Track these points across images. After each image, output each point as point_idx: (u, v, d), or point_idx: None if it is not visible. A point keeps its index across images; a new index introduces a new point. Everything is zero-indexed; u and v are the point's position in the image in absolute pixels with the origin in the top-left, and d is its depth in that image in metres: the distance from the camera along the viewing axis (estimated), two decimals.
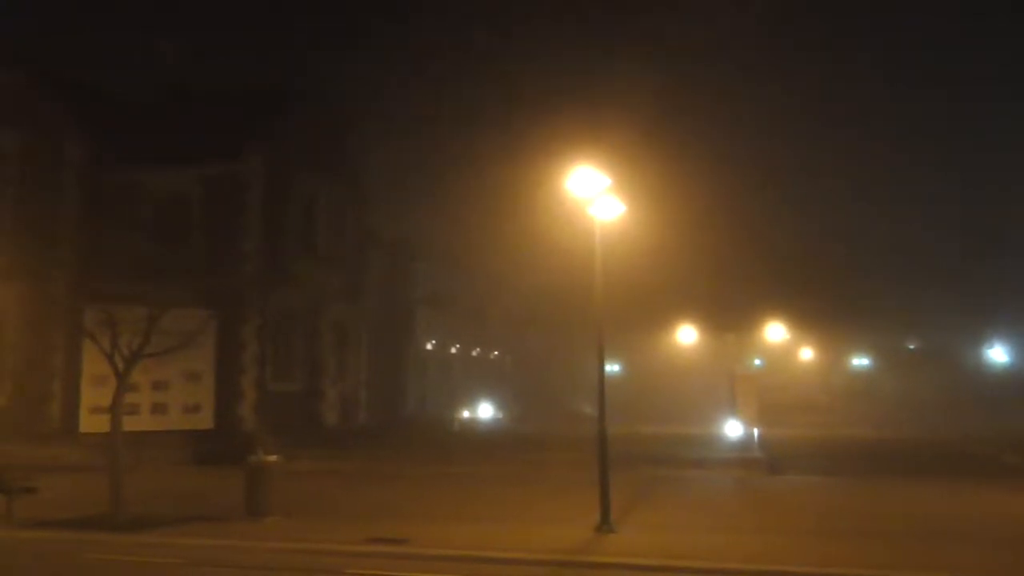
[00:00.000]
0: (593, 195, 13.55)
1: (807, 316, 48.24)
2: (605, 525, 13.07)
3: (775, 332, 36.24)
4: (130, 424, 15.75)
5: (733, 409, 28.85)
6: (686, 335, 38.40)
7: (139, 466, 18.03)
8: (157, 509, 14.74)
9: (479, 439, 35.52)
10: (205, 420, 26.48)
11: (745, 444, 27.16)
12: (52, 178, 28.71)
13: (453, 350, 56.73)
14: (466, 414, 53.08)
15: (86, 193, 28.87)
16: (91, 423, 24.83)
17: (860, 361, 66.28)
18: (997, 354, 59.90)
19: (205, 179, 28.77)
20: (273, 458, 14.76)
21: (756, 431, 27.86)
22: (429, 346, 52.91)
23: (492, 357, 64.28)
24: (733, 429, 28.88)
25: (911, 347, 66.75)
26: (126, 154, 29.20)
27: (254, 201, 28.61)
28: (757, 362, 43.08)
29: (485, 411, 56.74)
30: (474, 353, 60.68)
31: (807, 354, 59.62)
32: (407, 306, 49.36)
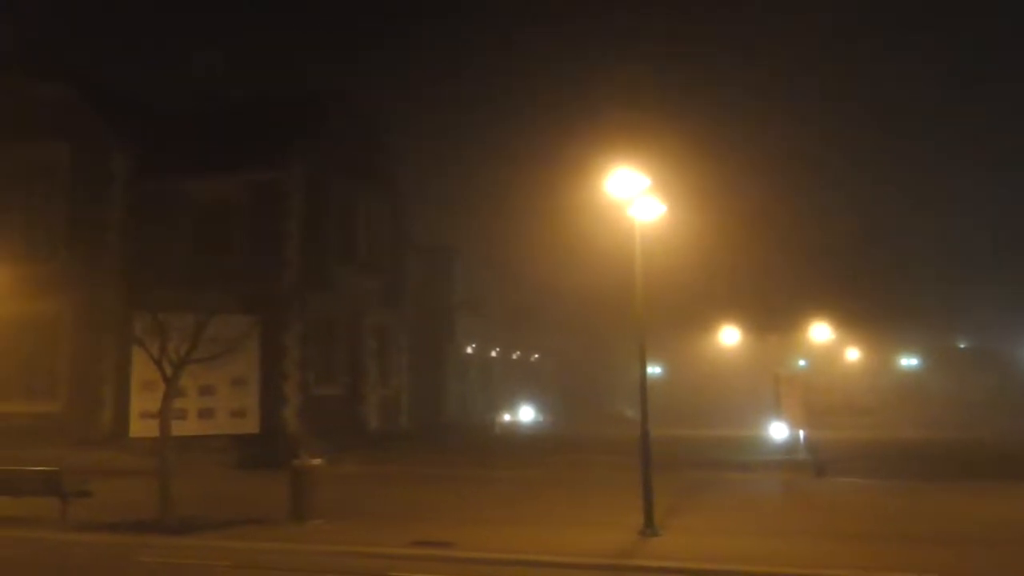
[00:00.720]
0: (633, 196, 13.47)
1: (853, 316, 47.41)
2: (649, 528, 12.96)
3: (820, 332, 35.63)
4: (178, 429, 16.05)
5: (777, 411, 28.40)
6: (729, 336, 37.98)
7: (187, 470, 18.31)
8: (205, 512, 14.97)
9: (520, 442, 35.53)
10: (250, 424, 26.90)
11: (790, 446, 26.73)
12: (100, 189, 29.41)
13: (493, 353, 56.80)
14: (507, 417, 53.13)
15: (132, 203, 29.52)
16: (140, 428, 25.40)
17: (908, 361, 64.90)
18: None
19: (246, 187, 29.21)
20: (317, 462, 14.91)
21: (802, 433, 27.39)
22: (469, 350, 53.04)
23: (532, 360, 64.22)
24: (778, 431, 28.45)
25: (961, 346, 65.20)
26: (169, 164, 29.80)
27: (295, 208, 28.97)
28: (801, 363, 42.45)
29: (526, 414, 56.75)
30: (514, 356, 60.69)
31: (853, 354, 58.55)
32: (446, 310, 49.55)
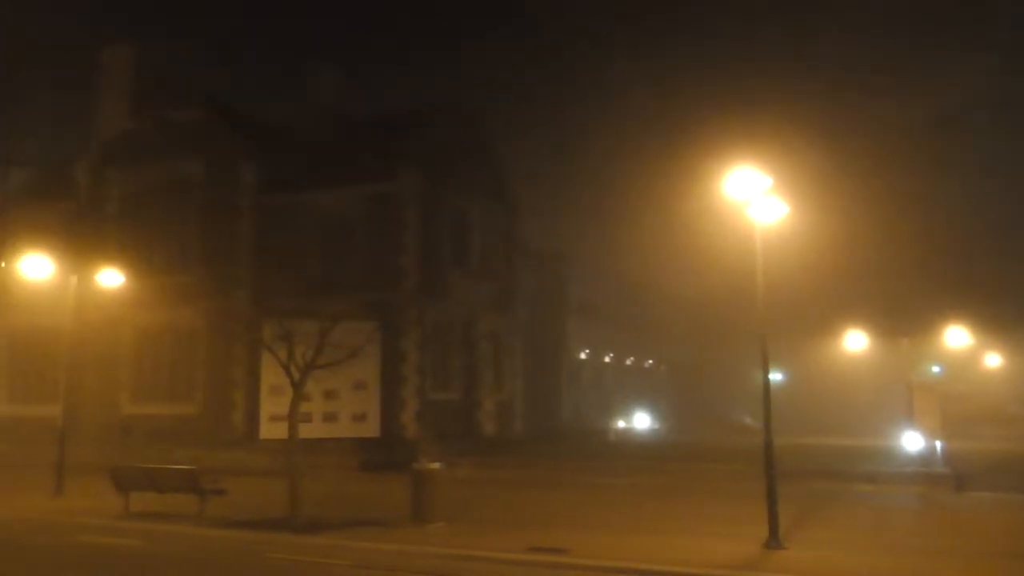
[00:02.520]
0: (753, 196, 13.04)
1: (993, 319, 44.28)
2: (773, 541, 12.48)
3: (956, 337, 33.41)
4: (304, 431, 16.65)
5: (911, 420, 26.82)
6: (855, 341, 36.10)
7: (312, 472, 19.01)
8: (330, 513, 15.49)
9: (636, 449, 35.04)
10: (371, 428, 27.72)
11: (926, 458, 25.16)
12: (231, 203, 31.08)
13: (606, 359, 56.37)
14: (621, 424, 52.60)
15: (260, 216, 31.06)
16: (270, 430, 26.61)
17: None
18: None
19: (365, 198, 30.19)
20: (436, 466, 15.15)
21: (938, 444, 25.76)
22: (582, 355, 52.84)
23: (646, 366, 63.35)
24: (912, 442, 26.85)
25: None
26: (293, 178, 31.20)
27: (410, 218, 29.69)
28: (935, 369, 39.99)
29: (641, 421, 55.99)
30: (628, 362, 60.02)
31: (993, 360, 54.64)
32: (559, 316, 49.57)
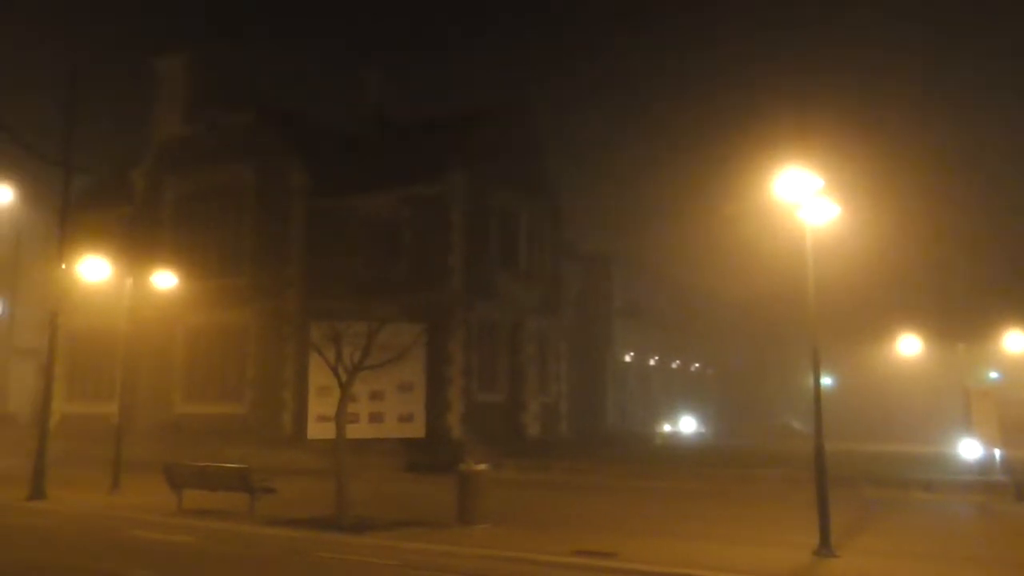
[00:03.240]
0: (803, 198, 12.80)
1: None
2: (825, 549, 12.22)
3: (1015, 341, 32.39)
4: (351, 432, 16.83)
5: (968, 427, 26.06)
6: (908, 345, 35.24)
7: (359, 472, 19.20)
8: (376, 513, 15.62)
9: (683, 453, 34.69)
10: (417, 429, 27.92)
11: (984, 466, 24.40)
12: (281, 206, 31.61)
13: (652, 362, 55.94)
14: (667, 427, 52.13)
15: (309, 219, 31.52)
16: (317, 430, 26.96)
17: None
18: None
19: (412, 201, 30.42)
20: (482, 467, 15.17)
21: (997, 452, 24.97)
22: (628, 358, 52.51)
23: (692, 369, 62.70)
24: (969, 449, 26.08)
25: None
26: (342, 181, 31.61)
27: (457, 219, 29.84)
28: (993, 375, 38.79)
29: (687, 424, 55.44)
30: (673, 365, 59.48)
31: None
32: (605, 318, 49.35)
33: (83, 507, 17.42)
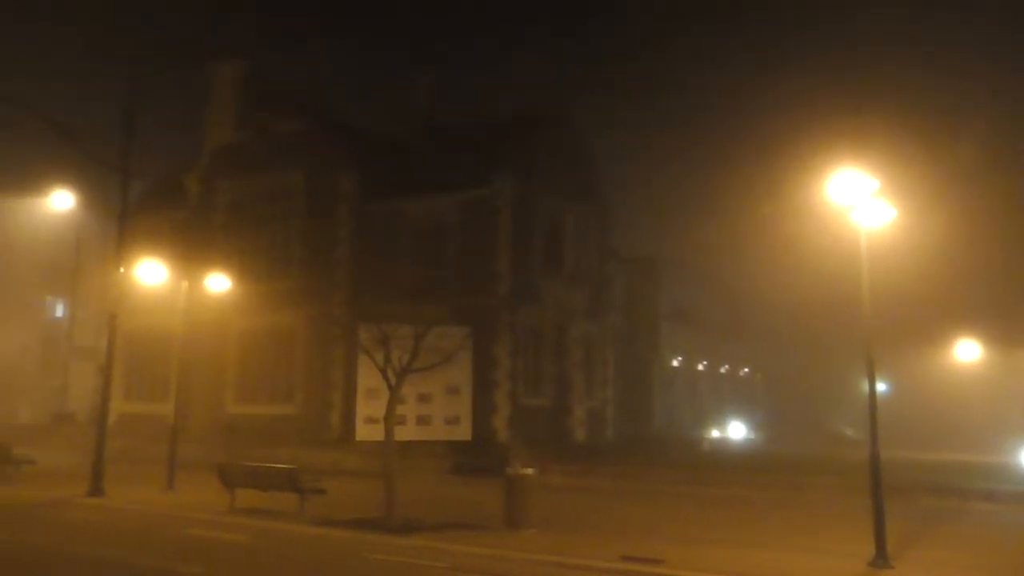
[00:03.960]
0: (858, 200, 12.52)
1: None
2: (880, 559, 11.92)
3: None
4: (398, 434, 16.94)
5: None
6: (966, 351, 34.29)
7: (407, 474, 19.32)
8: (423, 515, 15.70)
9: (731, 459, 34.20)
10: (463, 431, 28.03)
11: None
12: (330, 210, 32.04)
13: (700, 367, 55.31)
14: (715, 433, 51.48)
15: (357, 223, 31.90)
16: (365, 432, 27.26)
17: None
18: None
19: (459, 205, 30.59)
20: (529, 471, 15.15)
21: None
22: (675, 362, 52.00)
23: (741, 374, 61.82)
24: None
25: None
26: (389, 185, 31.92)
27: (504, 224, 29.89)
28: None
29: (736, 430, 54.69)
30: (722, 370, 58.73)
31: None
32: (652, 322, 48.97)
33: (140, 504, 17.85)
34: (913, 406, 53.22)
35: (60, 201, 34.25)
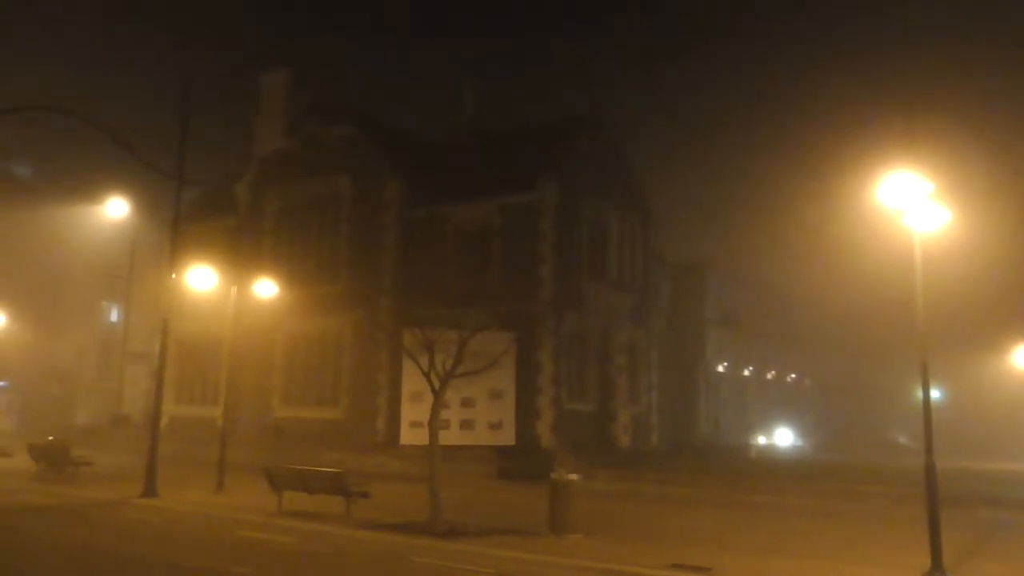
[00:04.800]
0: (910, 203, 12.22)
1: None
2: (937, 572, 11.58)
3: None
4: (442, 438, 17.01)
5: None
6: None
7: (451, 478, 19.37)
8: (468, 519, 15.71)
9: (780, 466, 33.61)
10: (507, 436, 28.02)
11: None
12: (376, 216, 32.38)
13: (746, 372, 54.48)
14: (762, 439, 50.72)
15: (402, 228, 32.18)
16: (410, 436, 27.43)
17: None
18: None
19: (503, 210, 30.64)
20: (574, 477, 15.08)
21: None
22: (721, 368, 51.30)
23: (789, 380, 60.73)
24: None
25: None
26: (434, 191, 32.13)
27: (548, 229, 29.86)
28: None
29: (783, 437, 53.81)
30: (769, 376, 57.77)
31: None
32: (697, 327, 48.41)
33: (191, 506, 18.20)
34: (968, 414, 51.79)
35: (115, 209, 35.29)
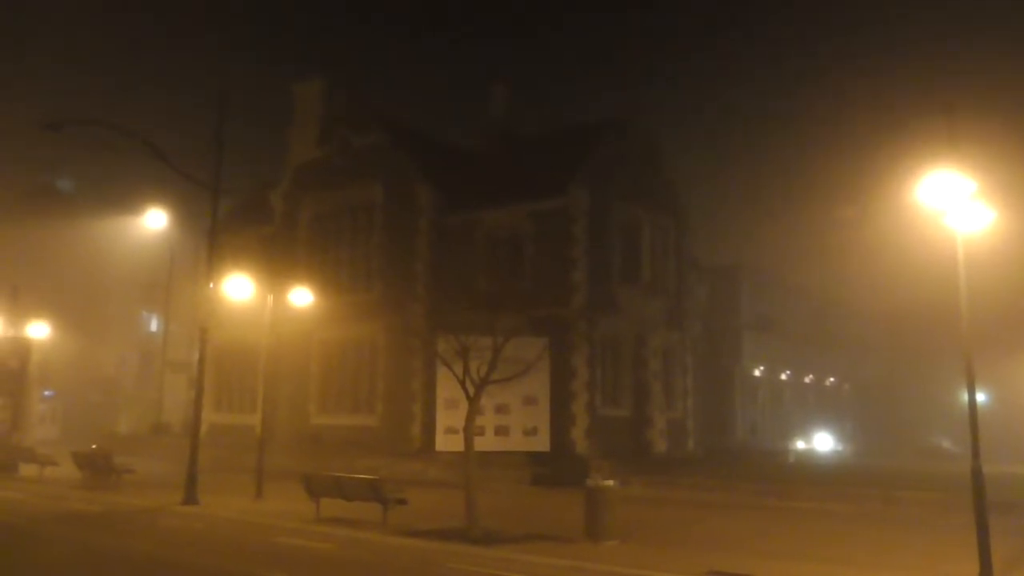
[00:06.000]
0: (952, 203, 11.96)
1: None
2: None
3: None
4: (477, 445, 17.02)
5: None
6: None
7: (486, 485, 19.37)
8: (504, 526, 15.70)
9: (818, 472, 33.09)
10: (541, 442, 27.94)
11: None
12: (408, 222, 32.55)
13: (783, 376, 53.81)
14: (801, 445, 50.02)
15: (435, 235, 32.31)
16: (445, 442, 27.48)
17: None
18: None
19: (535, 216, 30.62)
20: (610, 483, 14.99)
21: None
22: (757, 372, 50.74)
23: (827, 384, 59.85)
24: None
25: None
26: (466, 197, 32.22)
27: (580, 233, 29.77)
28: None
29: (822, 442, 53.03)
30: (807, 380, 56.99)
31: None
32: (733, 331, 47.94)
33: (230, 513, 18.41)
34: (1015, 417, 50.58)
35: (154, 220, 35.90)
